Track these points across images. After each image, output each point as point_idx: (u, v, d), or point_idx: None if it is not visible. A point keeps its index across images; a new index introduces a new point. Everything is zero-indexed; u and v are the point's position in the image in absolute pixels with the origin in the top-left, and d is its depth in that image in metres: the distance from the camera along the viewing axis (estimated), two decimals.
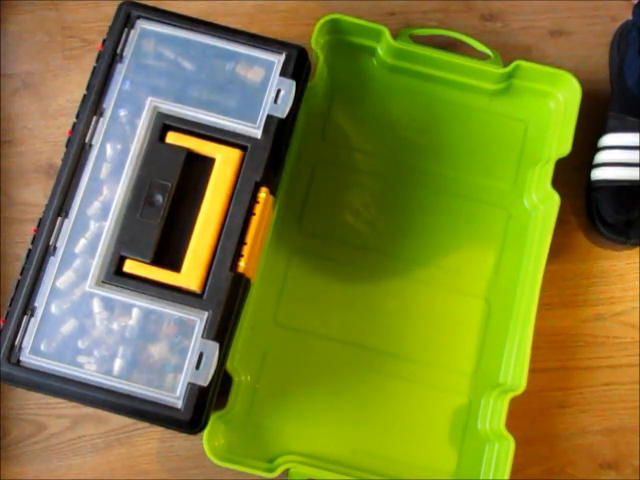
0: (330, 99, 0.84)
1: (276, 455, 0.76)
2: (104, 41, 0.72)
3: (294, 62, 0.72)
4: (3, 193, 0.83)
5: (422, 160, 0.83)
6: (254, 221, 0.69)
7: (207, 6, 0.87)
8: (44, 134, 0.84)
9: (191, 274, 0.67)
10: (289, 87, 0.72)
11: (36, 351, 0.66)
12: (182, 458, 0.78)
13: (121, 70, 0.71)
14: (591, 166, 0.83)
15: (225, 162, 0.70)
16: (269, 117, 0.71)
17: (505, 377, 0.78)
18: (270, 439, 0.77)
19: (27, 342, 0.67)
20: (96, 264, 0.68)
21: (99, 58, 0.72)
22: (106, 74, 0.71)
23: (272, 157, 0.70)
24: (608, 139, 0.81)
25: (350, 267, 0.80)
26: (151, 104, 0.71)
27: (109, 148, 0.70)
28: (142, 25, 0.73)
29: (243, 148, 0.70)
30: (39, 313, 0.67)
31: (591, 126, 0.84)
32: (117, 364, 0.66)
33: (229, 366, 0.75)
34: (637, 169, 0.80)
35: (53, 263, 0.68)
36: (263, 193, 0.70)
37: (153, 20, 0.73)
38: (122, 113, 0.71)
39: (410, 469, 0.77)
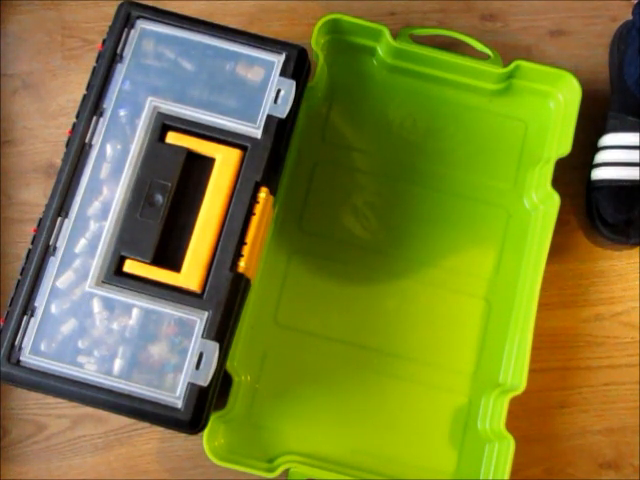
0: (330, 99, 0.84)
1: (276, 455, 0.76)
2: (104, 41, 0.72)
3: (294, 62, 0.72)
4: (3, 193, 0.83)
5: (422, 160, 0.83)
6: (254, 221, 0.69)
7: (207, 6, 0.87)
8: (44, 134, 0.84)
9: (191, 274, 0.67)
10: (289, 87, 0.72)
11: (36, 351, 0.66)
12: (182, 458, 0.78)
13: (121, 70, 0.71)
14: (591, 166, 0.83)
15: (225, 162, 0.70)
16: (269, 117, 0.71)
17: (505, 377, 0.78)
18: (270, 439, 0.77)
19: (27, 342, 0.67)
20: (96, 264, 0.68)
21: (99, 58, 0.72)
22: (106, 74, 0.71)
23: (272, 157, 0.70)
24: (608, 139, 0.81)
25: (350, 267, 0.80)
26: (151, 104, 0.71)
27: (109, 148, 0.70)
28: (142, 25, 0.73)
29: (243, 148, 0.70)
30: (39, 313, 0.67)
31: (591, 126, 0.84)
32: (117, 364, 0.66)
33: (229, 366, 0.74)
34: (637, 169, 0.80)
35: (53, 263, 0.68)
36: (263, 193, 0.70)
37: (153, 20, 0.73)
38: (122, 113, 0.71)
39: (410, 469, 0.77)
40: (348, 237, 0.81)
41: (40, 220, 0.69)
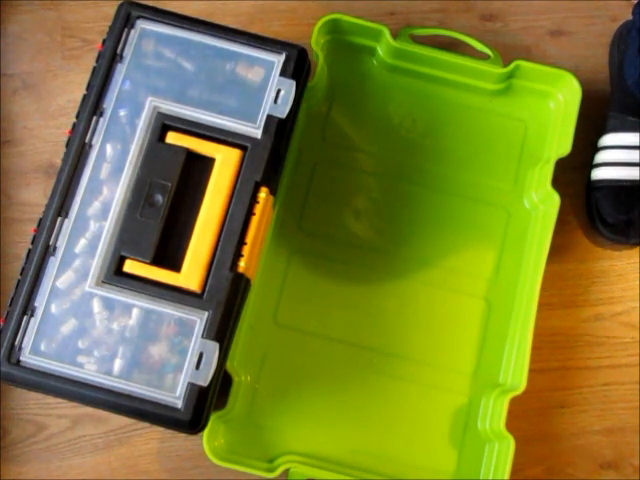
0: (330, 99, 0.84)
1: (276, 455, 0.76)
2: (104, 41, 0.72)
3: (294, 62, 0.72)
4: (3, 193, 0.83)
5: (422, 160, 0.83)
6: (254, 221, 0.69)
7: (207, 6, 0.87)
8: (44, 134, 0.84)
9: (191, 274, 0.67)
10: (289, 87, 0.72)
11: (36, 351, 0.66)
12: (182, 458, 0.78)
13: (121, 70, 0.71)
14: (591, 166, 0.83)
15: (225, 162, 0.70)
16: (269, 117, 0.71)
17: (505, 377, 0.78)
18: (270, 439, 0.77)
19: (27, 342, 0.67)
20: (96, 264, 0.68)
21: (99, 58, 0.72)
22: (106, 74, 0.71)
23: (272, 157, 0.70)
24: (608, 139, 0.82)
25: (350, 267, 0.80)
26: (151, 104, 0.71)
27: (109, 148, 0.70)
28: (142, 25, 0.73)
29: (243, 148, 0.70)
30: (39, 313, 0.67)
31: (591, 126, 0.84)
32: (117, 364, 0.66)
33: (229, 366, 0.74)
34: (637, 169, 0.80)
35: (53, 263, 0.68)
36: (263, 193, 0.70)
37: (153, 20, 0.73)
38: (122, 113, 0.71)
39: (410, 469, 0.77)
40: (348, 237, 0.81)
41: (40, 220, 0.69)
